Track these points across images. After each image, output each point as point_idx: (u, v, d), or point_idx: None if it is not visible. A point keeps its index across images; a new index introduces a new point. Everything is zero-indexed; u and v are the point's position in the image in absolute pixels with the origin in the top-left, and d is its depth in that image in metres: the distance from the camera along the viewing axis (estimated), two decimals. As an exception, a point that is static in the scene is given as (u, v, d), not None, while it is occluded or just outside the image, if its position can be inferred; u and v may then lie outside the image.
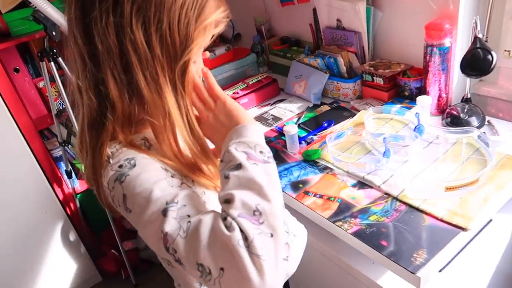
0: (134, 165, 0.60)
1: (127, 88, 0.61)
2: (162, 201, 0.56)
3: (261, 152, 0.58)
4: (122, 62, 0.59)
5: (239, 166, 0.55)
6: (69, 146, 1.86)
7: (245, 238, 0.49)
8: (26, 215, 1.81)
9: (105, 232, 2.14)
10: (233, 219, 0.50)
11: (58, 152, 1.92)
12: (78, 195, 2.00)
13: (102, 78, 0.60)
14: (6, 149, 1.68)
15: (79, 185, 2.00)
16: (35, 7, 1.51)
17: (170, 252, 0.53)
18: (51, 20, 1.52)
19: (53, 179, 1.89)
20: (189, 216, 0.54)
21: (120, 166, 0.60)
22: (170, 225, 0.53)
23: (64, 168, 1.88)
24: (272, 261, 0.49)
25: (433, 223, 0.91)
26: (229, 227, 0.50)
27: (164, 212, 0.54)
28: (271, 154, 0.59)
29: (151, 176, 0.59)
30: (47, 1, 1.53)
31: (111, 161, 0.62)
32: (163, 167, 0.63)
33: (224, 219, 0.51)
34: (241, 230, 0.49)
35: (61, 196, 1.93)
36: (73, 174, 1.92)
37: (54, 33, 1.53)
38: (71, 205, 2.00)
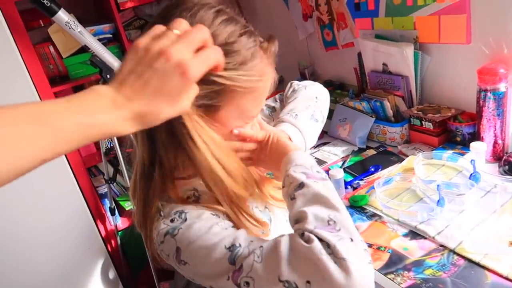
0: (186, 219, 0.60)
1: (172, 145, 0.62)
2: (224, 248, 0.55)
3: (318, 171, 0.61)
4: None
5: (301, 185, 0.58)
6: (114, 183, 1.91)
7: (327, 245, 0.49)
8: (71, 250, 1.84)
9: (143, 272, 2.13)
10: (310, 232, 0.51)
11: (103, 189, 1.98)
12: (120, 232, 2.03)
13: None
14: (57, 185, 1.75)
15: (121, 223, 2.03)
16: (93, 52, 1.62)
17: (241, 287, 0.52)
18: (106, 64, 1.62)
19: (97, 215, 1.93)
20: (261, 247, 0.53)
21: (172, 221, 0.60)
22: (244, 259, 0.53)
23: (108, 205, 1.93)
24: (358, 262, 0.48)
25: (497, 280, 0.84)
26: (307, 240, 0.50)
27: (231, 260, 0.53)
28: (326, 174, 0.63)
29: (205, 224, 0.58)
30: (104, 46, 1.64)
31: (161, 213, 0.63)
32: (214, 214, 0.62)
33: (302, 235, 0.51)
34: (321, 240, 0.49)
35: (103, 233, 1.96)
36: (116, 211, 1.95)
37: (108, 76, 1.62)
38: (112, 242, 2.02)
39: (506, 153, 1.23)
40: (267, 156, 0.72)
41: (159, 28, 0.47)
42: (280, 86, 2.19)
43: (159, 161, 0.64)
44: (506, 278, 0.83)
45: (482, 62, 1.22)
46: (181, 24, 0.48)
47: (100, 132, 0.42)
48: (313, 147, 1.59)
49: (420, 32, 1.39)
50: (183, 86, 0.45)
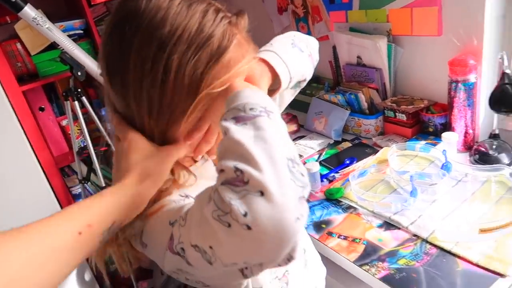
0: (154, 201, 0.59)
1: None
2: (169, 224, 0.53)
3: (251, 109, 0.48)
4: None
5: (227, 131, 0.47)
6: (89, 183, 1.87)
7: (223, 204, 0.42)
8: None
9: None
10: (215, 191, 0.44)
11: (77, 190, 1.93)
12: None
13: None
14: (27, 185, 1.70)
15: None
16: (63, 49, 1.57)
17: (181, 255, 0.49)
18: (77, 61, 1.58)
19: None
20: (188, 210, 0.51)
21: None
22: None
23: (83, 205, 1.88)
24: (261, 219, 0.41)
25: (468, 268, 0.85)
26: (209, 201, 0.45)
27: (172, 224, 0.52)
28: (268, 108, 0.49)
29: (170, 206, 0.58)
30: (74, 43, 1.60)
31: None
32: (183, 194, 0.61)
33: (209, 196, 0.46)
34: (221, 200, 0.43)
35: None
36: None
37: (79, 73, 1.58)
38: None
39: (477, 142, 1.25)
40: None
41: None
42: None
43: None
44: (477, 265, 0.85)
45: (453, 54, 1.24)
46: None
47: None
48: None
49: (393, 25, 1.40)
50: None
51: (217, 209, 0.43)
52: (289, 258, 0.46)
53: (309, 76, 0.84)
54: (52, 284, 0.44)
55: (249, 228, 0.41)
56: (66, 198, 1.85)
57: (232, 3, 0.62)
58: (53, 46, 1.63)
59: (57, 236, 0.45)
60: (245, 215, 0.41)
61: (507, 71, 1.07)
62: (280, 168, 0.43)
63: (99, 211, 0.49)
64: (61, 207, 1.81)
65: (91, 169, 1.79)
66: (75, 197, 1.93)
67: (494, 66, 1.19)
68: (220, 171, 0.45)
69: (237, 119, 0.47)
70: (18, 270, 0.41)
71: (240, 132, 0.45)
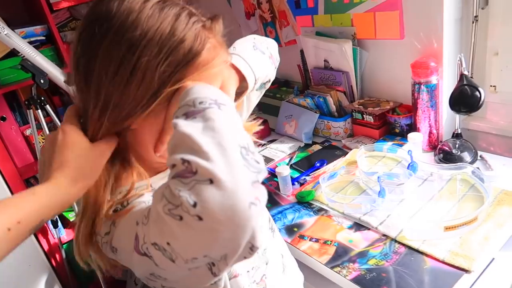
0: (128, 203, 0.58)
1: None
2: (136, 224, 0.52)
3: (201, 102, 0.47)
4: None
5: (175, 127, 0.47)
6: (56, 194, 1.81)
7: (173, 197, 0.41)
8: (9, 269, 1.71)
9: (91, 285, 2.03)
10: (166, 186, 0.44)
11: (44, 201, 1.86)
12: (64, 245, 1.92)
13: None
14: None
15: (66, 235, 1.93)
16: (24, 56, 1.51)
17: (148, 256, 0.48)
18: (39, 69, 1.52)
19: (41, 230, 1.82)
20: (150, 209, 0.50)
21: (115, 210, 0.58)
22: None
23: (50, 217, 1.81)
24: (211, 208, 0.40)
25: (434, 265, 0.88)
26: (161, 198, 0.43)
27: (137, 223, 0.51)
28: (219, 100, 0.48)
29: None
30: (36, 50, 1.54)
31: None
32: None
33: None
34: (173, 193, 0.42)
35: (46, 247, 1.85)
36: (59, 223, 1.85)
37: (42, 81, 1.52)
38: (57, 256, 1.91)
39: (441, 142, 1.29)
40: None
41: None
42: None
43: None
44: (443, 262, 0.87)
45: (415, 56, 1.27)
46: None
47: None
48: (260, 144, 1.59)
49: (357, 29, 1.43)
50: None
51: (168, 203, 0.42)
52: (252, 248, 0.44)
53: (272, 77, 0.85)
54: None
55: (200, 218, 0.40)
56: (32, 211, 1.78)
57: (200, 8, 0.61)
58: (14, 53, 1.57)
59: None
60: (194, 205, 0.40)
61: (465, 72, 1.11)
62: (230, 154, 0.42)
63: (29, 209, 0.49)
64: (26, 221, 1.74)
65: (57, 180, 1.73)
66: (42, 209, 1.86)
67: (454, 68, 1.23)
68: (172, 166, 0.44)
69: (187, 115, 0.46)
70: None
71: (188, 126, 0.44)
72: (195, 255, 0.44)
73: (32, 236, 1.76)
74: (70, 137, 0.55)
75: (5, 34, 1.47)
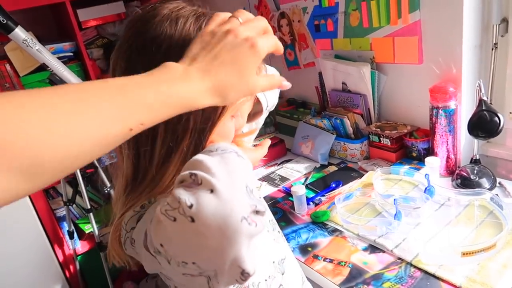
0: (155, 201, 0.59)
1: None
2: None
3: (223, 150, 0.49)
4: None
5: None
6: (73, 205, 1.84)
7: (176, 202, 0.42)
8: (25, 278, 1.74)
9: (104, 297, 2.04)
10: (171, 193, 0.45)
11: (61, 212, 1.90)
12: (79, 257, 1.94)
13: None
14: (11, 209, 1.66)
15: (81, 246, 1.95)
16: (52, 70, 1.58)
17: (152, 254, 0.49)
18: (66, 83, 1.58)
19: (54, 239, 1.85)
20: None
21: (142, 207, 0.59)
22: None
23: (67, 228, 1.85)
24: (208, 214, 0.41)
25: (451, 291, 0.86)
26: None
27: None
28: (239, 152, 0.50)
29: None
30: (64, 65, 1.61)
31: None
32: None
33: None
34: (174, 197, 0.43)
35: (61, 258, 1.87)
36: (75, 235, 1.88)
37: (67, 95, 1.58)
38: (71, 267, 1.93)
39: (458, 167, 1.28)
40: None
41: (222, 16, 0.50)
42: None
43: (146, 177, 0.61)
44: (460, 288, 0.86)
45: (434, 81, 1.28)
46: (243, 14, 0.49)
47: (179, 103, 0.43)
48: (276, 164, 1.60)
49: (376, 53, 1.45)
50: (253, 57, 0.46)
51: (167, 204, 0.43)
52: (243, 273, 0.44)
53: (276, 101, 0.94)
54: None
55: (192, 220, 0.41)
56: (50, 220, 1.82)
57: None
58: (43, 67, 1.64)
59: (106, 125, 0.38)
60: (190, 206, 0.41)
61: (484, 98, 1.11)
62: (236, 181, 0.44)
63: (156, 108, 0.42)
64: (45, 230, 1.77)
65: (76, 191, 1.77)
66: (60, 220, 1.89)
67: (473, 93, 1.24)
68: (179, 182, 0.45)
69: (206, 153, 0.48)
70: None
71: (203, 155, 0.46)
72: (185, 259, 0.45)
73: (48, 246, 1.79)
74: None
75: (37, 50, 1.54)
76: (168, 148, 0.58)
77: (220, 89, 0.46)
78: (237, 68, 0.46)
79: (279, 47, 0.51)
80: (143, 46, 0.55)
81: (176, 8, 0.57)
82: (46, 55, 1.56)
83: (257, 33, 0.48)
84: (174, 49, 0.54)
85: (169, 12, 0.56)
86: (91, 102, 0.38)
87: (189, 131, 0.57)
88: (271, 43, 0.49)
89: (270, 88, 0.53)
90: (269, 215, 0.81)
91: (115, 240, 0.64)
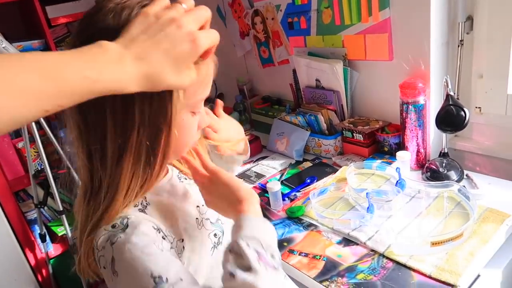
0: (127, 226, 0.58)
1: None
2: (150, 276, 0.53)
3: (272, 256, 0.56)
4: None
5: (249, 269, 0.53)
6: (45, 207, 1.80)
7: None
8: (-6, 283, 1.69)
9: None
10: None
11: (33, 215, 1.84)
12: (51, 260, 1.89)
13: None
14: (-22, 212, 1.61)
15: (53, 249, 1.90)
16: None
17: None
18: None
19: (25, 243, 1.79)
20: None
21: (113, 226, 0.58)
22: None
23: (38, 231, 1.80)
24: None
25: (421, 280, 0.89)
26: None
27: None
28: (280, 258, 0.58)
29: (141, 241, 0.56)
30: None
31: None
32: (156, 227, 0.61)
33: None
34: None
35: (32, 262, 1.82)
36: (48, 238, 1.83)
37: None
38: (43, 271, 1.88)
39: (428, 160, 1.32)
40: (214, 194, 0.67)
41: (166, 0, 0.50)
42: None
43: (102, 182, 0.60)
44: (430, 277, 0.89)
45: (403, 77, 1.32)
46: (188, 0, 0.50)
47: (105, 89, 0.42)
48: (252, 161, 1.61)
49: (348, 50, 1.47)
50: (192, 53, 0.47)
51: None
52: None
53: None
54: None
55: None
56: (21, 224, 1.77)
57: None
58: (10, 66, 1.59)
59: (16, 103, 0.36)
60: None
61: (451, 93, 1.15)
62: None
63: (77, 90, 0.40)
64: (15, 233, 1.72)
65: (48, 193, 1.72)
66: (31, 223, 1.84)
67: (441, 89, 1.28)
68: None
69: (260, 257, 0.54)
70: None
71: (262, 279, 0.52)
72: None
73: (19, 250, 1.74)
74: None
75: (3, 47, 1.49)
76: (119, 146, 0.56)
77: (152, 78, 0.45)
78: (174, 60, 0.46)
79: (215, 44, 0.52)
80: (88, 41, 0.54)
81: (122, 0, 0.56)
82: (14, 53, 1.52)
83: (199, 25, 0.48)
84: None
85: (114, 5, 0.55)
86: (5, 76, 0.35)
87: (136, 126, 0.55)
88: (212, 39, 0.50)
89: (199, 84, 0.56)
90: None
91: (86, 255, 0.62)
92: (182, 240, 0.65)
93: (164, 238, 0.60)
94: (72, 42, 0.57)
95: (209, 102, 2.14)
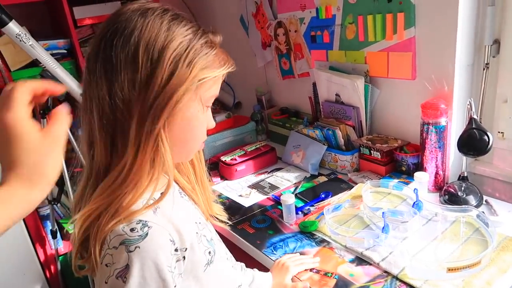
0: (146, 235, 0.58)
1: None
2: None
3: None
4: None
5: None
6: (58, 204, 1.81)
7: None
8: (4, 275, 1.70)
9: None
10: None
11: (45, 211, 1.87)
12: (61, 257, 1.90)
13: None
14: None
15: (63, 247, 1.91)
16: (44, 66, 1.56)
17: None
18: (57, 79, 1.56)
19: (37, 238, 1.81)
20: None
21: (132, 230, 0.58)
22: None
23: (50, 228, 1.81)
24: None
25: (436, 306, 0.86)
26: None
27: None
28: None
29: (159, 263, 0.58)
30: (57, 62, 1.59)
31: (120, 216, 0.60)
32: (171, 238, 0.61)
33: None
34: None
35: (42, 257, 1.83)
36: (58, 234, 1.84)
37: (59, 92, 1.56)
38: (52, 267, 1.90)
39: (447, 183, 1.30)
40: None
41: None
42: (237, 111, 2.23)
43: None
44: (444, 304, 0.86)
45: (426, 97, 1.30)
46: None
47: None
48: (266, 172, 1.60)
49: (370, 66, 1.46)
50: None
51: None
52: None
53: None
54: None
55: None
56: (33, 219, 1.79)
57: (218, 36, 0.67)
58: (35, 63, 1.62)
59: None
60: None
61: (474, 116, 1.13)
62: None
63: None
64: (27, 228, 1.74)
65: (62, 190, 1.74)
66: (43, 218, 1.86)
67: (463, 111, 1.25)
68: None
69: None
70: None
71: None
72: None
73: (30, 245, 1.75)
74: (17, 128, 0.46)
75: (30, 45, 1.52)
76: (138, 133, 0.61)
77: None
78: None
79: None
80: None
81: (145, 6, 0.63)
82: (39, 50, 1.55)
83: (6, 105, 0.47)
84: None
85: (138, 6, 0.62)
86: None
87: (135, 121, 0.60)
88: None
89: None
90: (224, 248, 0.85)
91: (95, 241, 0.61)
92: (186, 249, 0.65)
93: (176, 251, 0.62)
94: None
95: (227, 109, 2.15)
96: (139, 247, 0.57)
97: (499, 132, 1.27)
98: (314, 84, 1.69)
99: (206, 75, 0.63)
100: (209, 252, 0.72)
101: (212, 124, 0.73)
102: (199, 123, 0.68)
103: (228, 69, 0.67)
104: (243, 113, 2.15)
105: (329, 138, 1.54)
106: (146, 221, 0.60)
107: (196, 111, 0.66)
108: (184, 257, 0.65)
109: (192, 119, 0.66)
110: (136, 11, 0.61)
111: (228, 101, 2.21)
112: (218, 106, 2.18)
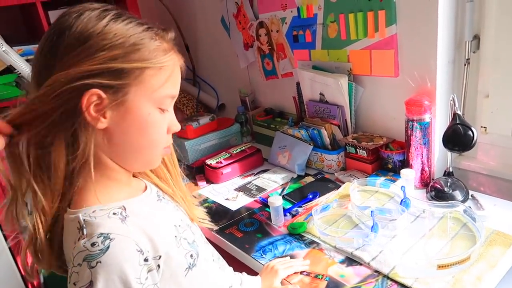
0: (107, 248, 0.55)
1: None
2: None
3: None
4: None
5: None
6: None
7: None
8: (-18, 291, 1.64)
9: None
10: None
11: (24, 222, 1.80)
12: (42, 269, 1.84)
13: None
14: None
15: (46, 258, 1.85)
16: (19, 73, 1.51)
17: None
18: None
19: (17, 249, 1.75)
20: None
21: (93, 245, 0.56)
22: None
23: (31, 239, 1.75)
24: None
25: (427, 304, 0.86)
26: None
27: None
28: None
29: (121, 276, 0.55)
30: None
31: (84, 231, 0.58)
32: (138, 248, 0.59)
33: None
34: None
35: (23, 270, 1.77)
36: (40, 245, 1.78)
37: (36, 99, 1.51)
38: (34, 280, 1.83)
39: (433, 179, 1.30)
40: None
41: None
42: (221, 113, 2.20)
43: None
44: (436, 301, 0.86)
45: (409, 94, 1.30)
46: None
47: None
48: (253, 174, 1.58)
49: (353, 65, 1.46)
50: None
51: None
52: None
53: None
54: None
55: None
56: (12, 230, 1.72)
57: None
58: (10, 70, 1.57)
59: None
60: None
61: (458, 112, 1.13)
62: None
63: None
64: (5, 239, 1.68)
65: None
66: (24, 228, 1.80)
67: (446, 107, 1.26)
68: None
69: None
70: None
71: None
72: None
73: (10, 257, 1.69)
74: None
75: (3, 51, 1.47)
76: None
77: None
78: None
79: None
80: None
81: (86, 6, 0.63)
82: (14, 56, 1.50)
83: None
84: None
85: (77, 8, 0.62)
86: None
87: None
88: None
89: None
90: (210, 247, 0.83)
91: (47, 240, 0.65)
92: (160, 257, 0.63)
93: (146, 261, 0.59)
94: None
95: (211, 112, 2.12)
96: (100, 262, 0.55)
97: (481, 126, 1.28)
98: (298, 84, 1.68)
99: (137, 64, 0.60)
100: (191, 255, 0.70)
101: (176, 127, 0.69)
102: (155, 128, 0.65)
103: (168, 61, 0.63)
104: (227, 115, 2.13)
105: (314, 138, 1.54)
106: (108, 234, 0.57)
107: (147, 114, 0.62)
108: (158, 266, 0.62)
109: (143, 123, 0.63)
110: (74, 13, 0.61)
111: (211, 103, 2.19)
112: (202, 108, 2.15)
